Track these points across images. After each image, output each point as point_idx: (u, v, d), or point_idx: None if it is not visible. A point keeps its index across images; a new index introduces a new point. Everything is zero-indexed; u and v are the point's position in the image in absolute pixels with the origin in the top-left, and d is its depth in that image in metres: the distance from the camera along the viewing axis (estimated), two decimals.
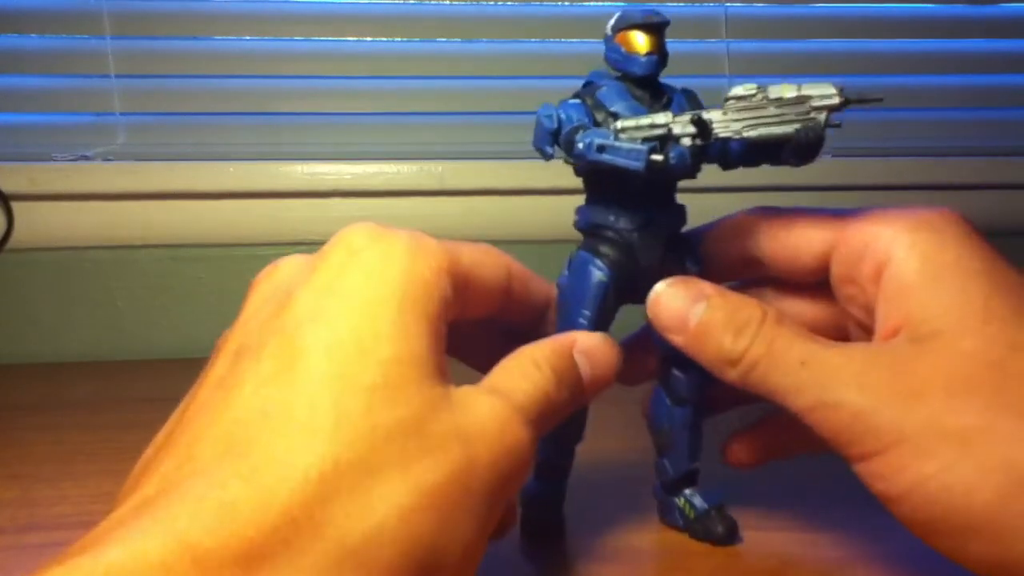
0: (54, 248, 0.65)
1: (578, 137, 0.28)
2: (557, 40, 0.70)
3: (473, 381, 0.25)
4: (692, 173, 0.28)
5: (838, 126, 0.27)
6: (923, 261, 0.26)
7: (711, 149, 0.28)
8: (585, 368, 0.27)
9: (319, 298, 0.23)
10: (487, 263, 0.27)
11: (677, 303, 0.28)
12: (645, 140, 0.27)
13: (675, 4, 0.73)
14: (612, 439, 0.40)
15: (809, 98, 0.26)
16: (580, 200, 0.31)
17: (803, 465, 0.33)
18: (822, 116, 0.26)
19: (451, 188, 0.68)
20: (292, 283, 0.24)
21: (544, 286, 0.31)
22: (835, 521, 0.33)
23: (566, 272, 0.30)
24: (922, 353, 0.25)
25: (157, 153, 0.67)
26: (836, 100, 0.26)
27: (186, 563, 0.17)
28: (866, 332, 0.29)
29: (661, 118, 0.27)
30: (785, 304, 0.31)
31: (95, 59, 0.66)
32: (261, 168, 0.66)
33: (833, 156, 0.71)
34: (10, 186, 0.63)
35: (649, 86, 0.29)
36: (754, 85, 0.27)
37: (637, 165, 0.26)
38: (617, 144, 0.27)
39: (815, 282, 0.30)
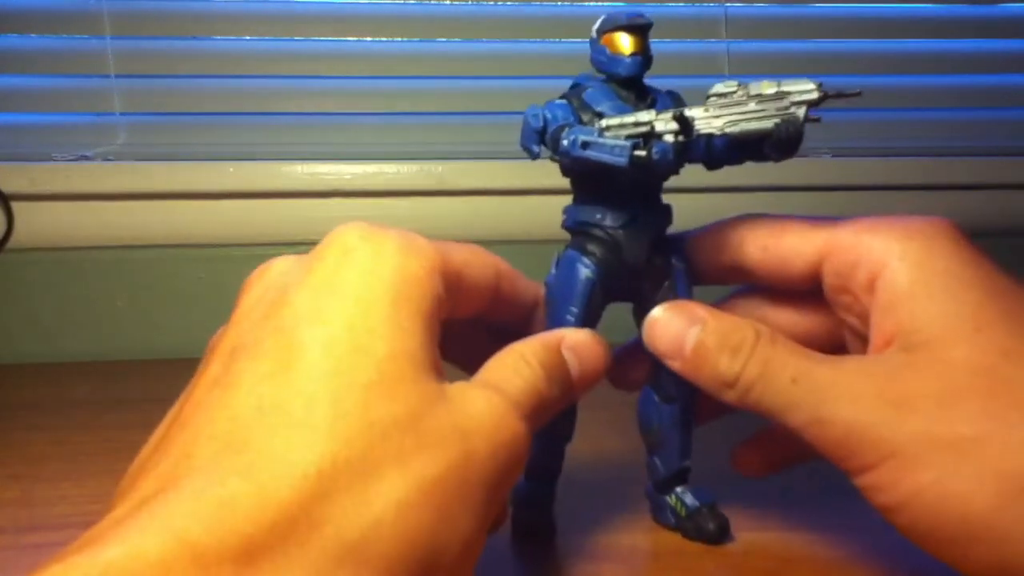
0: (54, 248, 0.65)
1: (563, 135, 0.28)
2: (557, 40, 0.71)
3: (464, 380, 0.25)
4: (675, 169, 0.28)
5: (817, 120, 0.27)
6: (914, 270, 0.26)
7: (696, 148, 0.29)
8: (574, 364, 0.27)
9: (315, 297, 0.23)
10: (476, 263, 0.28)
11: (672, 328, 0.28)
12: (629, 137, 0.27)
13: (675, 4, 0.73)
14: (603, 439, 0.40)
15: (788, 94, 0.27)
16: None
17: (800, 465, 0.33)
18: (801, 111, 0.27)
19: (451, 188, 0.68)
20: (286, 282, 0.24)
21: (532, 286, 0.31)
22: (832, 521, 0.33)
23: (554, 271, 0.31)
24: (914, 363, 0.25)
25: (157, 153, 0.67)
26: (815, 95, 0.27)
27: (185, 561, 0.17)
28: (863, 341, 0.29)
29: (645, 116, 0.28)
30: (781, 314, 0.32)
31: (95, 59, 0.66)
32: (261, 168, 0.66)
33: (833, 156, 0.71)
34: (10, 186, 0.63)
35: (634, 87, 0.30)
36: (735, 82, 0.28)
37: (620, 161, 0.27)
38: (601, 141, 0.27)
39: (807, 290, 0.30)
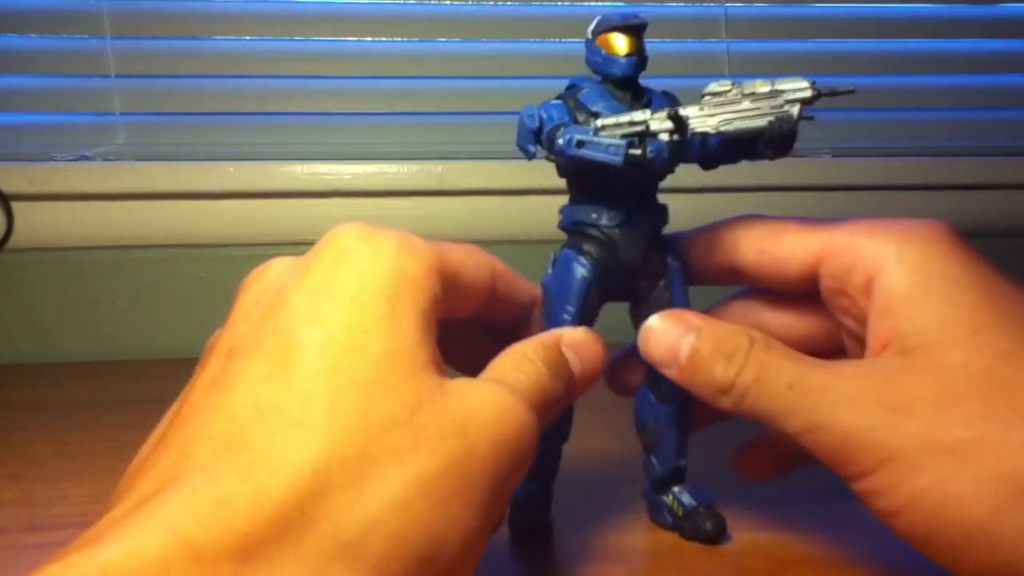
0: (54, 248, 0.65)
1: (559, 134, 0.28)
2: (557, 40, 0.71)
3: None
4: (670, 168, 0.28)
5: (811, 118, 0.27)
6: (911, 273, 0.26)
7: (691, 147, 0.29)
8: (574, 362, 0.27)
9: (313, 297, 0.23)
10: (473, 263, 0.28)
11: (667, 337, 0.28)
12: (624, 136, 0.27)
13: (675, 4, 0.73)
14: (600, 439, 0.40)
15: (782, 92, 0.27)
16: None
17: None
18: (795, 109, 0.27)
19: (451, 188, 0.68)
20: (283, 284, 0.24)
21: (528, 286, 0.31)
22: (831, 521, 0.33)
23: (550, 270, 0.31)
24: (910, 367, 0.25)
25: (157, 153, 0.67)
26: (808, 93, 0.27)
27: (184, 560, 0.17)
28: (860, 343, 0.29)
29: (639, 115, 0.28)
30: (779, 317, 0.32)
31: (95, 59, 0.66)
32: (261, 168, 0.66)
33: (832, 156, 0.71)
34: (10, 186, 0.64)
35: (630, 87, 0.30)
36: (729, 81, 0.28)
37: (616, 160, 0.27)
38: (596, 140, 0.27)
39: (805, 293, 0.30)
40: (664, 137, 0.27)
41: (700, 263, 0.31)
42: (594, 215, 0.30)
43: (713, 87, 0.28)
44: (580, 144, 0.27)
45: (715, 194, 0.62)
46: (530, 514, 0.32)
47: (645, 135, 0.27)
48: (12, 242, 0.64)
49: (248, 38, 0.69)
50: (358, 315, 0.22)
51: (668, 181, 0.31)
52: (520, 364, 0.26)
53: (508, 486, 0.23)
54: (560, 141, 0.28)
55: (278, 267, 0.25)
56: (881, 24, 0.74)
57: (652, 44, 0.30)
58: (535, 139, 0.30)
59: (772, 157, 0.28)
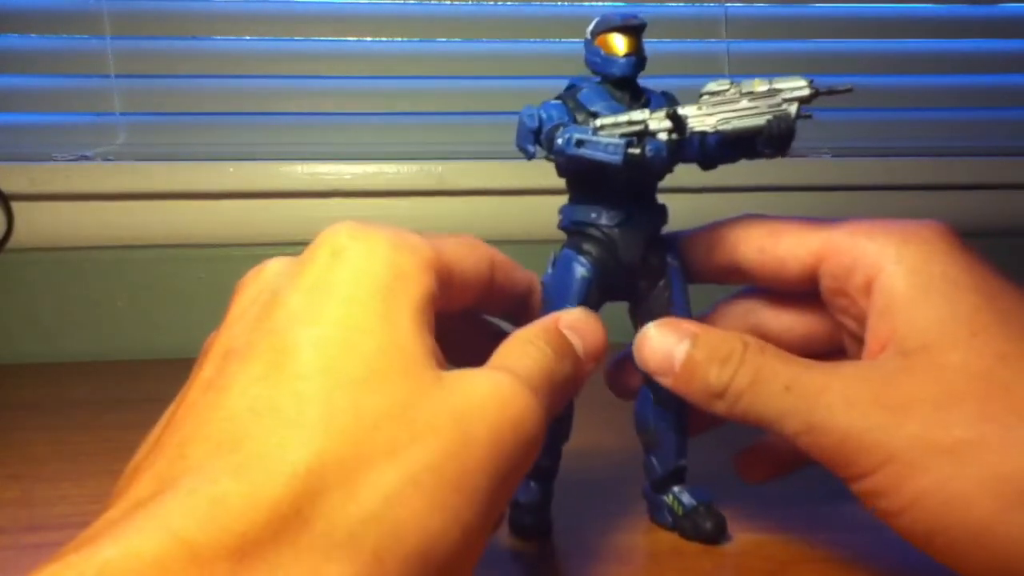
0: (54, 248, 0.65)
1: (558, 134, 0.28)
2: (557, 40, 0.71)
3: None
4: (669, 167, 0.29)
5: (808, 117, 0.28)
6: (910, 274, 0.26)
7: (689, 146, 0.29)
8: (576, 341, 0.27)
9: (307, 297, 0.23)
10: (470, 255, 0.28)
11: (662, 345, 0.28)
12: (623, 136, 0.27)
13: (675, 4, 0.73)
14: (600, 439, 0.40)
15: (780, 91, 0.27)
16: None
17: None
18: (793, 107, 0.27)
19: (450, 188, 0.68)
20: (278, 284, 0.24)
21: (527, 275, 0.31)
22: (831, 521, 0.33)
23: (550, 270, 0.31)
24: (909, 367, 0.25)
25: (157, 153, 0.67)
26: (806, 92, 0.27)
27: (181, 559, 0.17)
28: (860, 343, 0.28)
29: (638, 115, 0.28)
30: (779, 317, 0.32)
31: (95, 59, 0.66)
32: (261, 168, 0.66)
33: (832, 156, 0.71)
34: (10, 186, 0.64)
35: (628, 87, 0.30)
36: (727, 81, 0.28)
37: (615, 159, 0.27)
38: (596, 139, 0.27)
39: (805, 292, 0.30)
40: (663, 136, 0.27)
41: (700, 262, 0.31)
42: (594, 215, 0.30)
43: (711, 86, 0.28)
44: (579, 143, 0.28)
45: (715, 194, 0.62)
46: (530, 514, 0.32)
47: (644, 134, 0.28)
48: (12, 242, 0.64)
49: (248, 38, 0.69)
50: (353, 314, 0.22)
51: (668, 181, 0.31)
52: (525, 349, 0.25)
53: (512, 477, 0.23)
54: (559, 141, 0.28)
55: (273, 268, 0.25)
56: (881, 24, 0.74)
57: (652, 44, 0.30)
58: (535, 139, 0.30)
59: (771, 156, 0.28)
